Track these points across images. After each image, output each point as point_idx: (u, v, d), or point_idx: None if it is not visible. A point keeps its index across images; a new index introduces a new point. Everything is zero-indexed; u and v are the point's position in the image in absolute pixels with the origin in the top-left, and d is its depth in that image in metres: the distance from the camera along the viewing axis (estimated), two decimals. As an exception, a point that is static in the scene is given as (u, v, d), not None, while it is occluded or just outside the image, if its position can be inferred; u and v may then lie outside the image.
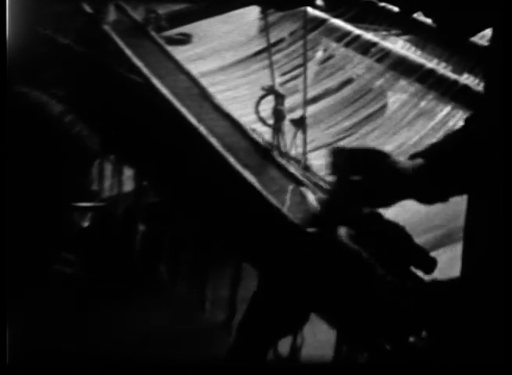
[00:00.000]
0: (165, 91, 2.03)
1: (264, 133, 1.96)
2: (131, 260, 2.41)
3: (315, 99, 2.18)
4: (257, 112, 1.92)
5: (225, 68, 2.32)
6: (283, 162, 1.85)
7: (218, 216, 1.89)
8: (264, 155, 1.87)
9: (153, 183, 2.24)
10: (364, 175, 1.56)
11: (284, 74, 2.25)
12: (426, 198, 1.60)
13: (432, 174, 1.55)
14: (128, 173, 2.40)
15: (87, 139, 1.68)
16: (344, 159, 1.60)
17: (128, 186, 2.41)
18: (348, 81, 2.25)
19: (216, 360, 2.01)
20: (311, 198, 1.69)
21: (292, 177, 1.80)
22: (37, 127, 1.60)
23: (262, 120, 1.93)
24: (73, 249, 2.08)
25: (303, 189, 1.74)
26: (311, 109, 2.10)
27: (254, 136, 1.92)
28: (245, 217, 1.78)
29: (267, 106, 1.92)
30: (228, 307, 2.18)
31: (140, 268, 2.43)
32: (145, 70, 2.11)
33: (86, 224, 1.79)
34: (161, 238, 2.38)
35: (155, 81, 2.06)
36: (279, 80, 2.12)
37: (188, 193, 2.01)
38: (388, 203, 1.62)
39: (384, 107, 2.20)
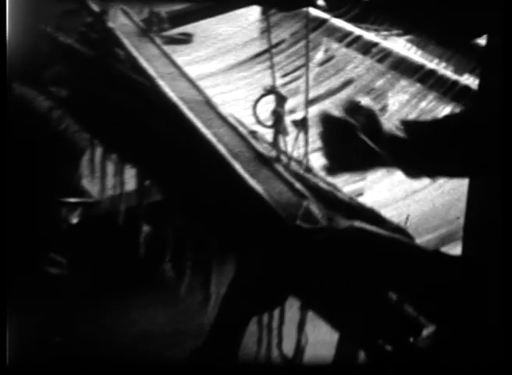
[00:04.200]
0: (170, 93, 2.04)
1: (265, 135, 1.97)
2: (134, 259, 2.42)
3: (316, 100, 2.18)
4: (254, 113, 1.91)
5: (226, 69, 2.32)
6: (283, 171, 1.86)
7: (219, 215, 1.90)
8: (266, 164, 1.88)
9: (155, 182, 2.25)
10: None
11: (285, 75, 2.26)
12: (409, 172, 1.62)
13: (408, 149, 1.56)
14: (130, 172, 2.40)
15: (74, 135, 1.67)
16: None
17: (130, 185, 2.42)
18: (349, 82, 2.26)
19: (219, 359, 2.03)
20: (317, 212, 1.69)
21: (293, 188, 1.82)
22: (22, 122, 1.59)
23: (260, 122, 1.94)
24: (62, 247, 2.07)
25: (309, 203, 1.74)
26: (312, 110, 2.10)
27: (256, 145, 1.92)
28: (244, 218, 1.79)
29: (265, 108, 1.93)
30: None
31: (144, 267, 2.43)
32: (151, 71, 2.11)
33: (75, 221, 1.79)
34: (165, 236, 2.39)
35: (161, 83, 2.07)
36: (280, 81, 2.13)
37: (190, 192, 2.02)
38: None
39: (385, 107, 2.20)
